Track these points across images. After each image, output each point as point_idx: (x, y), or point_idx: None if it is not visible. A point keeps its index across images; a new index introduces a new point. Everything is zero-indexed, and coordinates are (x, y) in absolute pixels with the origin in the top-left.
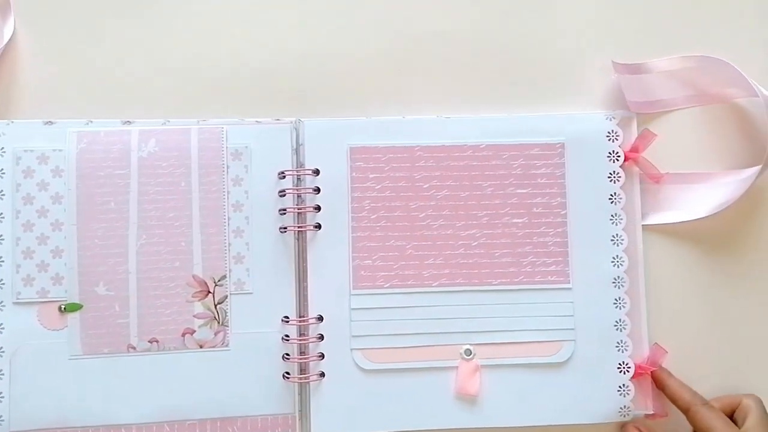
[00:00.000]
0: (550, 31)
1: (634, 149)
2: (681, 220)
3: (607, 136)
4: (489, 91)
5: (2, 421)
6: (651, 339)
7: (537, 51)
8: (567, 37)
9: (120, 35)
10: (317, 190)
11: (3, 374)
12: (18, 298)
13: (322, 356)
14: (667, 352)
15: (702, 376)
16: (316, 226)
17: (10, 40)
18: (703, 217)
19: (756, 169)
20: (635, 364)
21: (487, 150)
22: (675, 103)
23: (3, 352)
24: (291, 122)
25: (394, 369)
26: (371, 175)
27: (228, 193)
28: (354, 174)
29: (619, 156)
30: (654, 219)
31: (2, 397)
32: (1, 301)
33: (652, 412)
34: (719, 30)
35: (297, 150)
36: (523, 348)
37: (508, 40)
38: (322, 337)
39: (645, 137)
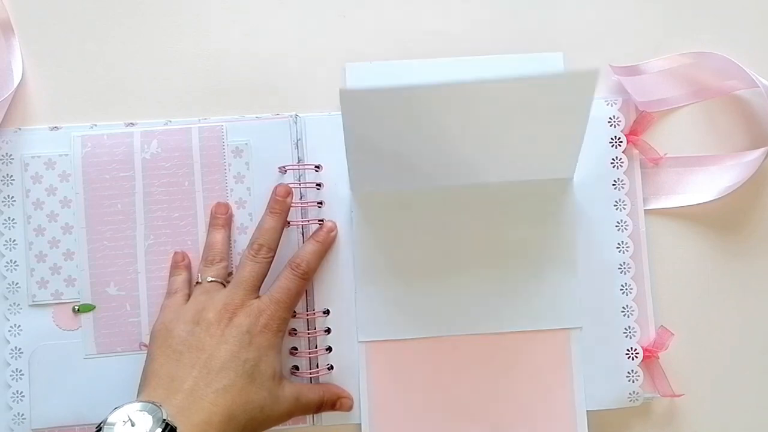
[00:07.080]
0: (549, 27)
1: (634, 132)
2: (684, 205)
3: (609, 122)
4: None
5: (24, 419)
6: (656, 322)
7: (536, 49)
8: (567, 33)
9: (120, 37)
10: (319, 185)
11: (23, 374)
12: (33, 301)
13: (330, 349)
14: (673, 334)
15: (707, 357)
16: (319, 221)
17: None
18: (707, 202)
19: (763, 150)
20: (641, 347)
21: None
22: (677, 101)
23: (22, 353)
24: (290, 117)
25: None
26: None
27: (231, 190)
28: None
29: (621, 141)
30: (655, 203)
31: (23, 397)
32: (18, 304)
33: (660, 395)
34: (720, 25)
35: (297, 144)
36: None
37: (506, 39)
38: (329, 331)
39: (644, 119)
